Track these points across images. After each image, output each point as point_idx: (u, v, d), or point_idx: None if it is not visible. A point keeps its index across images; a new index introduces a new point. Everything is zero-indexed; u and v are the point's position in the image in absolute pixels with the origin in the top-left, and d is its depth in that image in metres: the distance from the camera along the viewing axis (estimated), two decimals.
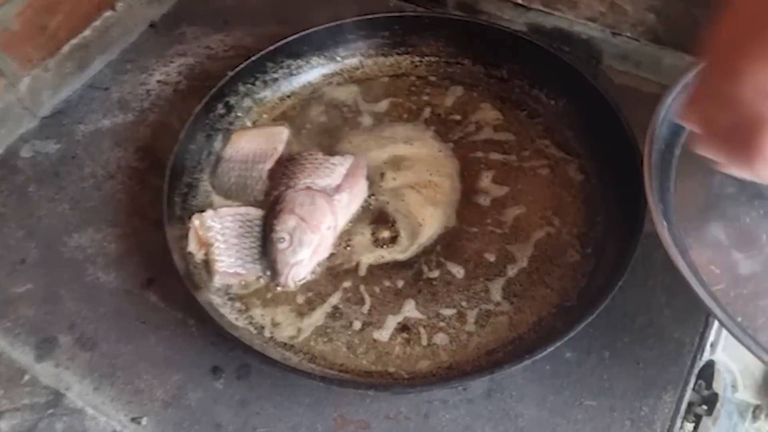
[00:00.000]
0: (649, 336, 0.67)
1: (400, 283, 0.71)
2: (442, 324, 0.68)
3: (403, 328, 0.68)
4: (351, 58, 0.87)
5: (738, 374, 1.25)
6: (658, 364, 0.65)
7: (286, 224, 0.70)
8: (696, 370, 0.67)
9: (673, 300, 0.69)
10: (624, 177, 0.72)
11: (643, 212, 0.66)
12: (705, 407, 0.73)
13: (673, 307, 0.69)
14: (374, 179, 0.78)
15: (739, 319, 0.57)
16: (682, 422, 0.71)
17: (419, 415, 0.63)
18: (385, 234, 0.74)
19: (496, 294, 0.70)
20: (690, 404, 0.72)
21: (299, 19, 0.89)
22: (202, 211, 0.72)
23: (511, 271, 0.71)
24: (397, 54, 0.88)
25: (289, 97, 0.86)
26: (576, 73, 0.79)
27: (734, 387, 1.32)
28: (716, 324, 0.68)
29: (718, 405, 0.73)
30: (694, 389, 0.74)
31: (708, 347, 0.70)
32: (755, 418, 1.26)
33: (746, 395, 1.29)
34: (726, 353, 0.88)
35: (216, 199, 0.77)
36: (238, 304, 0.69)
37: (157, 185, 0.74)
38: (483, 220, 0.75)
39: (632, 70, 0.87)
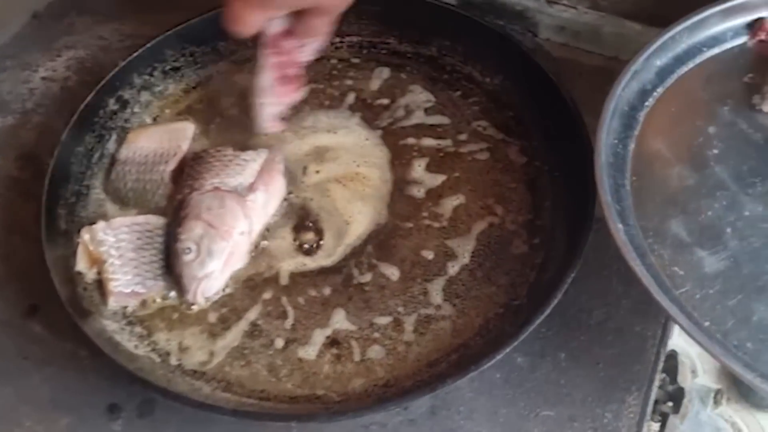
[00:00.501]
0: (607, 332, 0.61)
1: (328, 291, 0.63)
2: (376, 335, 0.60)
3: (333, 342, 0.60)
4: None
5: (696, 359, 1.20)
6: (620, 362, 0.59)
7: (192, 232, 0.61)
8: (660, 366, 0.61)
9: (631, 290, 0.63)
10: (570, 157, 0.65)
11: (593, 195, 0.59)
12: (671, 404, 0.68)
13: (631, 297, 0.62)
14: (295, 174, 0.70)
15: (707, 324, 0.52)
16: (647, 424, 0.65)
17: None
18: (309, 236, 0.66)
19: (437, 296, 0.62)
20: (655, 402, 0.67)
21: (204, 3, 0.80)
22: (93, 223, 0.63)
23: (452, 270, 0.63)
24: None
25: (194, 88, 0.77)
26: (512, 47, 0.73)
27: (694, 373, 1.28)
28: None
29: (685, 401, 0.67)
30: (658, 386, 0.68)
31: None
32: (717, 403, 1.22)
33: (706, 380, 1.25)
34: (682, 337, 0.84)
35: (111, 208, 0.67)
36: (138, 329, 0.60)
37: (41, 197, 0.64)
38: (418, 214, 0.67)
39: (571, 42, 0.81)
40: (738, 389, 1.25)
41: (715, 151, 0.62)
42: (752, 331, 0.52)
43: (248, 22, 0.60)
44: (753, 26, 0.68)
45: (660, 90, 0.65)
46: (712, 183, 0.60)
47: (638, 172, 0.61)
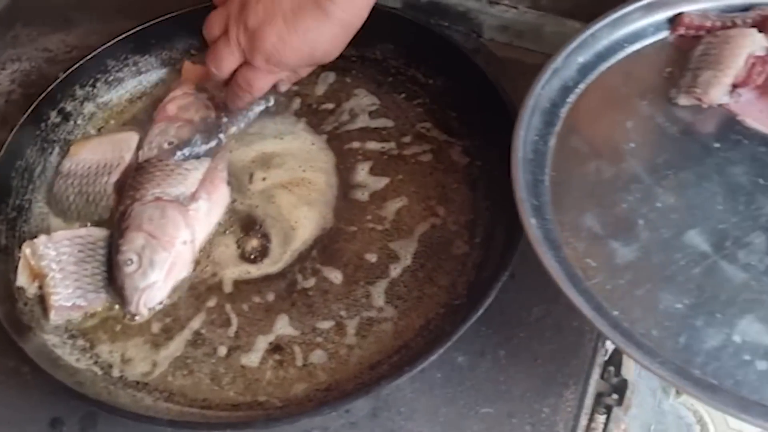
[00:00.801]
0: (546, 328, 0.62)
1: (272, 297, 0.63)
2: (319, 339, 0.61)
3: (276, 348, 0.60)
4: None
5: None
6: (558, 358, 0.60)
7: (133, 243, 0.62)
8: (599, 360, 0.62)
9: None
10: (507, 156, 0.66)
11: None
12: (616, 396, 0.69)
13: None
14: (242, 181, 0.71)
15: (615, 313, 0.53)
16: (592, 416, 0.67)
17: None
18: (254, 243, 0.67)
19: (379, 299, 0.63)
20: (600, 395, 0.68)
21: (149, 11, 0.80)
22: (35, 237, 0.63)
23: (395, 272, 0.64)
24: None
25: (140, 98, 0.77)
26: (453, 49, 0.74)
27: None
28: None
29: (628, 393, 0.68)
30: (603, 378, 0.69)
31: None
32: (679, 393, 1.25)
33: None
34: None
35: (54, 221, 0.68)
36: (80, 342, 0.60)
37: None
38: (362, 218, 0.68)
39: (515, 42, 0.82)
40: None
41: (632, 145, 0.63)
42: (658, 319, 0.53)
43: (259, 87, 0.67)
44: (673, 21, 0.69)
45: (581, 86, 0.66)
46: (627, 176, 0.61)
47: (558, 168, 0.62)
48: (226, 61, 0.66)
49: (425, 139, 0.73)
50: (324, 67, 0.79)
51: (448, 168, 0.71)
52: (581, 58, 0.66)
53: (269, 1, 0.62)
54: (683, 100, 0.65)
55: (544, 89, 0.63)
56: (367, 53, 0.79)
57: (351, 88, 0.77)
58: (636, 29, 0.68)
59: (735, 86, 0.65)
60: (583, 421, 0.59)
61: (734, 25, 0.68)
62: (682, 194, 0.60)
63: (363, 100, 0.76)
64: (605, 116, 0.66)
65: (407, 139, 0.73)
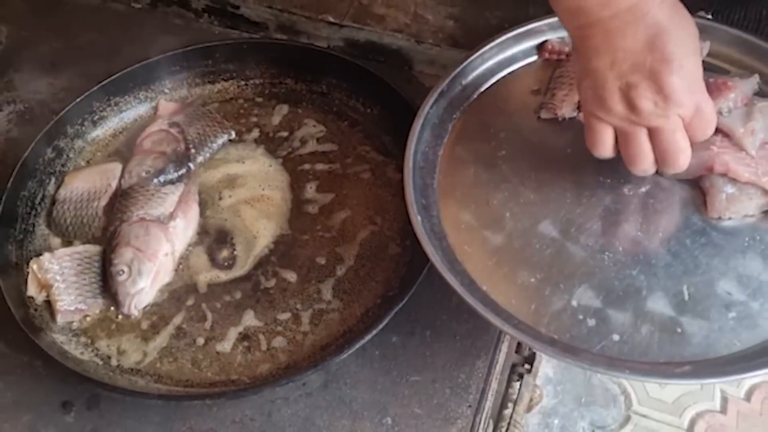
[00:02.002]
0: (464, 312, 0.75)
1: (239, 296, 0.76)
2: (279, 328, 0.74)
3: (244, 337, 0.74)
4: (179, 89, 0.92)
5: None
6: (472, 335, 0.74)
7: (124, 257, 0.74)
8: (505, 337, 0.76)
9: None
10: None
11: None
12: (527, 366, 0.83)
13: None
14: (213, 199, 0.83)
15: (484, 288, 0.66)
16: (509, 382, 0.81)
17: (263, 415, 0.69)
18: (224, 253, 0.79)
19: (327, 293, 0.76)
20: (514, 365, 0.82)
21: (127, 55, 0.93)
22: (40, 255, 0.75)
23: (340, 271, 0.78)
24: (223, 80, 0.93)
25: (121, 133, 0.89)
26: (386, 84, 0.87)
27: None
28: None
29: (536, 363, 0.82)
30: (517, 352, 0.83)
31: None
32: None
33: None
34: None
35: (54, 241, 0.80)
36: (83, 339, 0.73)
37: None
38: (313, 227, 0.81)
39: (440, 73, 0.94)
40: None
41: (503, 152, 0.75)
42: (517, 291, 0.66)
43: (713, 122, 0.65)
44: (540, 47, 0.83)
45: (465, 104, 0.79)
46: (498, 178, 0.74)
47: (445, 173, 0.75)
48: (684, 147, 0.65)
49: (365, 159, 0.86)
50: (278, 100, 0.92)
51: (385, 183, 0.84)
52: (464, 81, 0.79)
53: (637, 74, 0.61)
54: (544, 114, 0.78)
55: (433, 108, 0.76)
56: (314, 87, 0.92)
57: (302, 117, 0.90)
58: (509, 55, 0.81)
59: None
60: (494, 385, 0.73)
61: None
62: (539, 191, 0.72)
63: (312, 128, 0.89)
64: (483, 129, 0.78)
65: (350, 160, 0.86)
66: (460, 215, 0.72)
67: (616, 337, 0.64)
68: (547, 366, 1.32)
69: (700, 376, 0.64)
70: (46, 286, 0.74)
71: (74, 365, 0.68)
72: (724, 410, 1.33)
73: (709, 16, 0.88)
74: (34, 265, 0.74)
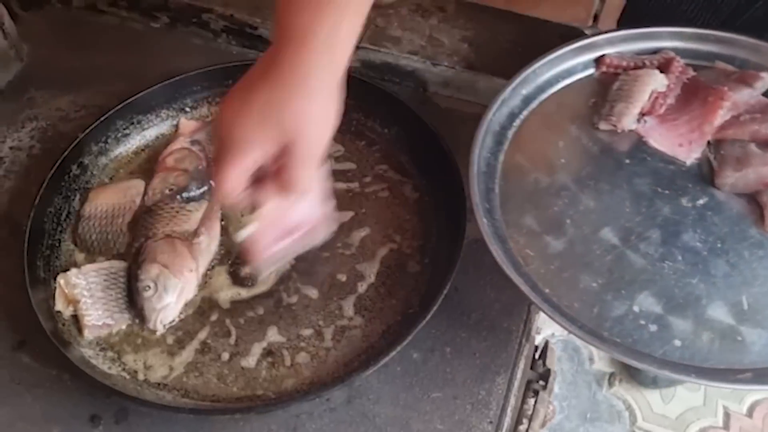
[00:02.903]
0: (483, 329, 0.77)
1: (262, 312, 0.78)
2: (302, 344, 0.76)
3: (268, 353, 0.75)
4: (200, 107, 0.93)
5: (593, 348, 1.40)
6: (492, 352, 0.76)
7: (150, 273, 0.76)
8: (525, 353, 0.78)
9: (501, 295, 0.79)
10: (449, 191, 0.81)
11: (464, 220, 0.76)
12: (542, 383, 0.85)
13: (501, 301, 0.79)
14: (236, 214, 0.84)
15: (547, 291, 0.69)
16: (524, 398, 0.82)
17: (289, 430, 0.70)
18: (247, 269, 0.81)
19: (349, 310, 0.78)
20: (529, 382, 0.84)
21: (146, 74, 0.94)
22: (66, 270, 0.76)
23: (361, 288, 0.79)
24: None
25: (143, 150, 0.91)
26: (401, 103, 0.89)
27: (591, 360, 1.48)
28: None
29: (551, 379, 0.84)
30: (532, 368, 0.85)
31: (535, 333, 0.81)
32: (611, 384, 1.42)
33: (602, 365, 1.45)
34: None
35: (80, 256, 0.81)
36: (110, 353, 0.74)
37: (18, 251, 0.76)
38: (333, 244, 0.82)
39: (455, 95, 0.98)
40: (628, 371, 1.45)
41: (563, 161, 0.79)
42: (579, 295, 0.69)
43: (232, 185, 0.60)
44: (598, 61, 0.86)
45: (525, 113, 0.82)
46: (558, 185, 0.77)
47: (505, 178, 0.77)
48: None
49: (383, 178, 0.88)
50: None
51: (403, 202, 0.86)
52: (524, 91, 0.83)
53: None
54: (603, 126, 0.81)
55: (494, 115, 0.79)
56: None
57: None
58: (568, 67, 0.85)
59: (642, 114, 0.82)
60: (513, 401, 0.75)
61: (644, 66, 0.85)
62: (599, 199, 0.76)
63: (331, 147, 0.91)
64: (543, 137, 0.81)
65: (368, 179, 0.88)
66: (522, 220, 0.74)
67: (677, 343, 0.66)
68: (559, 382, 1.34)
69: (763, 383, 0.65)
70: (73, 302, 0.75)
71: (102, 379, 0.69)
72: (726, 426, 1.35)
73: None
74: (61, 281, 0.75)
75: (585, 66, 0.87)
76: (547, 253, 0.72)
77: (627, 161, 0.79)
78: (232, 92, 0.60)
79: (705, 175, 0.78)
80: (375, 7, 0.99)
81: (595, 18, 1.59)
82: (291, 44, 0.56)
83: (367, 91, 0.91)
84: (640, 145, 0.80)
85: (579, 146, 0.80)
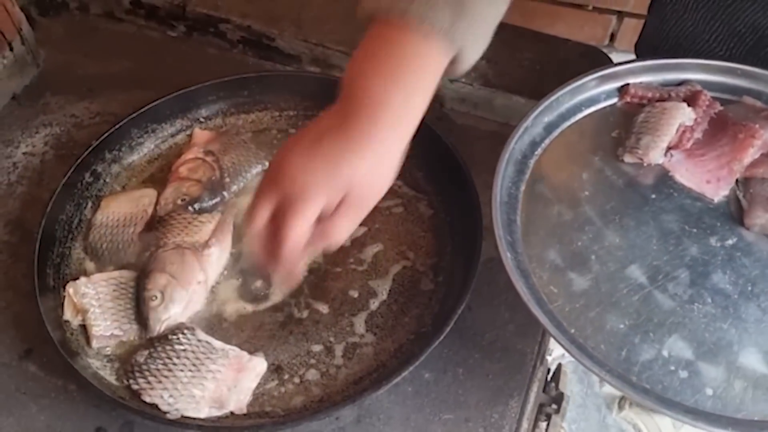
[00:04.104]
0: (496, 350, 0.76)
1: (273, 326, 0.77)
2: (312, 361, 0.74)
3: (277, 368, 0.74)
4: (214, 118, 0.93)
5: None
6: (505, 374, 0.74)
7: (158, 282, 0.75)
8: (539, 375, 0.77)
9: (515, 316, 0.78)
10: (464, 209, 0.81)
11: (480, 240, 0.75)
12: (555, 406, 0.83)
13: (515, 322, 0.78)
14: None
15: (573, 331, 0.67)
16: (536, 422, 0.81)
17: None
18: (258, 283, 0.80)
19: (360, 327, 0.77)
20: (542, 405, 0.82)
21: (161, 82, 0.94)
22: (76, 278, 0.76)
23: (373, 305, 0.78)
24: (258, 111, 0.94)
25: (156, 159, 0.90)
26: None
27: (601, 382, 1.46)
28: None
29: (564, 403, 0.83)
30: (545, 391, 0.83)
31: (547, 355, 0.80)
32: (620, 408, 1.40)
33: (611, 388, 1.43)
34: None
35: (89, 265, 0.80)
36: (117, 365, 0.73)
37: (29, 258, 0.76)
38: (345, 260, 0.82)
39: (471, 111, 0.97)
40: None
41: (587, 193, 0.77)
42: (605, 336, 0.67)
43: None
44: (622, 90, 0.84)
45: (547, 142, 0.80)
46: (582, 219, 0.74)
47: (527, 210, 0.74)
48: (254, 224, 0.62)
49: (397, 194, 0.87)
50: None
51: (416, 219, 0.85)
52: (546, 118, 0.80)
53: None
54: (628, 158, 0.79)
55: (516, 144, 0.76)
56: None
57: None
58: (591, 96, 0.83)
59: (669, 148, 0.80)
60: (525, 425, 0.73)
61: (669, 98, 0.83)
62: (625, 235, 0.73)
63: None
64: (565, 168, 0.79)
65: None
66: (545, 254, 0.72)
67: (709, 392, 0.64)
68: (572, 408, 1.32)
69: None
70: (82, 311, 0.74)
71: (109, 391, 0.68)
72: None
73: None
74: (70, 289, 0.75)
75: (608, 95, 0.84)
76: (571, 290, 0.69)
77: (653, 196, 0.77)
78: (296, 142, 0.61)
79: (733, 213, 0.76)
80: None
81: (612, 37, 1.59)
82: (364, 110, 0.59)
83: None
84: (665, 179, 0.78)
85: (603, 179, 0.78)
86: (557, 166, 0.79)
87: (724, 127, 0.80)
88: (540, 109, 0.79)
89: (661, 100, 0.83)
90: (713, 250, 0.72)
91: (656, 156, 0.79)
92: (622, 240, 0.73)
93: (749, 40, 0.90)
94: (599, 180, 0.78)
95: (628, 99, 0.84)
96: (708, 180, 0.77)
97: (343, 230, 0.61)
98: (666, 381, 0.64)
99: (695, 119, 0.79)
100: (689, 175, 0.79)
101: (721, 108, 0.82)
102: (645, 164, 0.79)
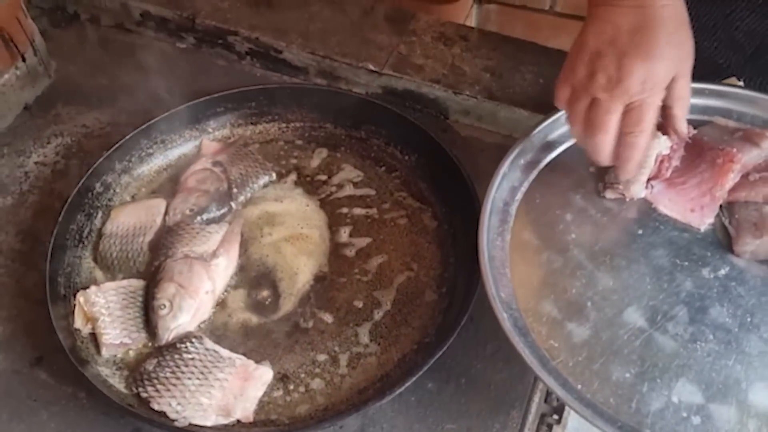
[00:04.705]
0: (498, 361, 0.77)
1: (279, 336, 0.78)
2: (317, 370, 0.75)
3: (283, 377, 0.75)
4: (222, 129, 0.95)
5: None
6: (507, 384, 0.75)
7: (166, 292, 0.76)
8: (540, 386, 0.77)
9: None
10: (467, 221, 0.82)
11: None
12: (556, 417, 0.84)
13: None
14: (255, 236, 0.85)
15: (579, 387, 0.65)
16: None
17: None
18: (265, 292, 0.81)
19: (365, 337, 0.78)
20: (543, 415, 0.83)
21: (170, 94, 0.96)
22: (86, 287, 0.77)
23: (377, 315, 0.79)
24: (265, 122, 0.96)
25: (165, 169, 0.92)
26: (423, 131, 0.90)
27: None
28: None
29: (565, 414, 0.83)
30: (546, 401, 0.84)
31: None
32: None
33: None
34: None
35: (99, 274, 0.81)
36: (126, 372, 0.74)
37: (40, 266, 0.77)
38: (350, 270, 0.83)
39: (475, 123, 0.98)
40: None
41: (573, 236, 0.74)
42: (613, 389, 0.65)
43: (650, 119, 0.68)
44: None
45: (526, 185, 0.78)
46: (573, 264, 0.72)
47: (516, 260, 0.72)
48: (610, 120, 0.67)
49: (402, 205, 0.88)
50: (318, 144, 0.95)
51: (421, 230, 0.86)
52: (522, 161, 0.78)
53: (610, 47, 0.66)
54: (609, 195, 0.77)
55: (497, 192, 0.74)
56: (353, 133, 0.94)
57: (340, 162, 0.93)
58: (564, 131, 0.79)
59: (649, 179, 0.77)
60: None
61: None
62: (617, 277, 0.71)
63: (350, 172, 0.92)
64: (548, 210, 0.77)
65: (387, 205, 0.88)
66: (540, 307, 0.70)
67: None
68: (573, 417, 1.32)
69: None
70: (91, 319, 0.75)
71: (118, 398, 0.70)
72: None
73: (741, 83, 0.91)
74: (81, 298, 0.76)
75: None
76: (572, 343, 0.67)
77: (639, 231, 0.75)
78: (622, 44, 0.66)
79: (721, 241, 0.74)
80: (398, 34, 1.01)
81: None
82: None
83: (389, 117, 0.92)
84: (650, 212, 0.75)
85: (587, 218, 0.76)
86: (540, 209, 0.77)
87: (700, 152, 0.78)
88: (516, 152, 0.78)
89: None
90: (707, 282, 0.71)
91: (638, 190, 0.77)
92: (615, 282, 0.71)
93: (748, 49, 0.91)
94: (584, 220, 0.76)
95: None
96: (692, 208, 0.76)
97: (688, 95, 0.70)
98: (680, 429, 0.63)
99: (671, 146, 0.76)
100: (672, 205, 0.77)
101: (694, 131, 0.79)
102: (627, 199, 0.77)
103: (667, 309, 0.70)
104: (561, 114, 0.78)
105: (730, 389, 0.65)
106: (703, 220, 0.76)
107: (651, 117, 0.68)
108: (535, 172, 0.80)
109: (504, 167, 0.76)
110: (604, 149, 0.70)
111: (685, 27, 0.68)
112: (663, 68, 0.66)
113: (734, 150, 0.76)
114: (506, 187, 0.77)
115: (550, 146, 0.81)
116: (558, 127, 0.81)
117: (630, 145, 0.69)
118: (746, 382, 0.65)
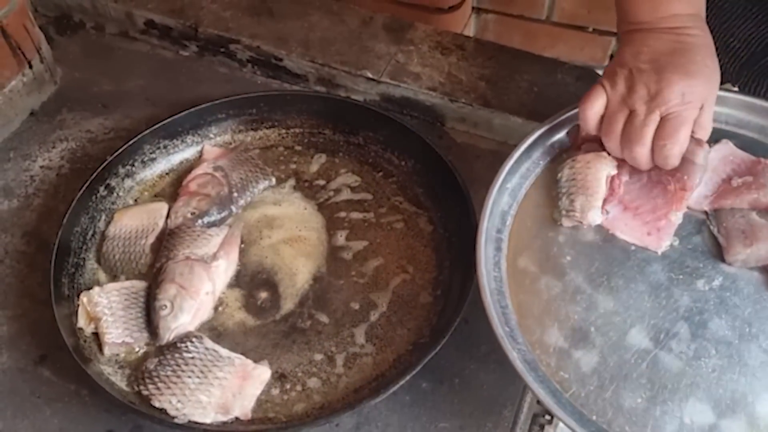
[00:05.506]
0: (491, 361, 0.79)
1: (277, 336, 0.80)
2: (314, 369, 0.77)
3: (281, 376, 0.77)
4: (223, 134, 0.97)
5: None
6: (499, 385, 0.77)
7: (167, 292, 0.78)
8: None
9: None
10: (462, 225, 0.84)
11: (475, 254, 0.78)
12: (548, 417, 0.85)
13: None
14: (254, 237, 0.87)
15: (594, 417, 0.65)
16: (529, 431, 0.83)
17: None
18: (264, 294, 0.83)
19: (361, 338, 0.80)
20: (535, 415, 0.84)
21: (173, 100, 0.98)
22: (90, 288, 0.79)
23: (373, 317, 0.81)
24: (266, 128, 0.98)
25: (167, 174, 0.94)
26: (419, 138, 0.91)
27: None
28: None
29: None
30: (538, 402, 0.86)
31: None
32: None
33: None
34: None
35: (102, 275, 0.83)
36: (128, 371, 0.76)
37: (45, 267, 0.79)
38: (348, 273, 0.85)
39: (471, 130, 1.00)
40: None
41: (569, 258, 0.73)
42: (627, 417, 0.65)
43: (687, 133, 0.70)
44: (570, 134, 0.81)
45: (515, 208, 0.77)
46: (572, 288, 0.71)
47: (515, 290, 0.71)
48: (647, 133, 0.69)
49: (398, 210, 0.90)
50: (317, 149, 0.97)
51: (417, 234, 0.88)
52: (509, 184, 0.78)
53: (650, 64, 0.69)
54: (566, 222, 0.75)
55: (489, 222, 0.74)
56: (351, 139, 0.96)
57: (338, 167, 0.95)
58: (547, 148, 0.81)
59: (604, 203, 0.75)
60: None
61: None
62: (617, 297, 0.71)
63: (347, 177, 0.94)
64: (540, 234, 0.76)
65: (383, 210, 0.90)
66: (545, 337, 0.69)
67: None
68: None
69: None
70: (95, 319, 0.77)
71: (120, 396, 0.71)
72: None
73: (735, 89, 0.93)
74: (84, 298, 0.78)
75: (562, 143, 0.81)
76: (581, 372, 0.67)
77: (632, 248, 0.74)
78: (662, 68, 0.70)
79: (711, 250, 0.74)
80: (396, 43, 1.03)
81: (611, 58, 1.62)
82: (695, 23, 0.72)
83: (386, 124, 0.94)
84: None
85: (579, 238, 0.75)
86: (531, 234, 0.76)
87: (648, 172, 0.76)
88: (503, 176, 0.76)
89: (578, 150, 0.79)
90: (704, 295, 0.71)
91: (594, 216, 0.75)
92: (615, 303, 0.71)
93: (743, 56, 0.92)
94: (576, 241, 0.75)
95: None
96: (648, 232, 0.75)
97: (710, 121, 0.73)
98: None
99: (617, 165, 0.76)
100: (629, 230, 0.76)
101: None
102: (585, 226, 0.75)
103: (669, 327, 0.69)
104: (545, 129, 0.79)
105: (737, 404, 0.65)
106: (660, 244, 0.74)
107: (687, 130, 0.69)
108: (522, 193, 0.79)
109: (492, 197, 0.75)
110: (641, 161, 0.72)
111: (715, 58, 0.71)
112: (700, 86, 0.69)
113: (685, 178, 0.74)
114: (497, 212, 0.76)
115: (533, 166, 0.81)
116: (538, 147, 0.81)
117: (665, 157, 0.70)
118: (752, 395, 0.66)
